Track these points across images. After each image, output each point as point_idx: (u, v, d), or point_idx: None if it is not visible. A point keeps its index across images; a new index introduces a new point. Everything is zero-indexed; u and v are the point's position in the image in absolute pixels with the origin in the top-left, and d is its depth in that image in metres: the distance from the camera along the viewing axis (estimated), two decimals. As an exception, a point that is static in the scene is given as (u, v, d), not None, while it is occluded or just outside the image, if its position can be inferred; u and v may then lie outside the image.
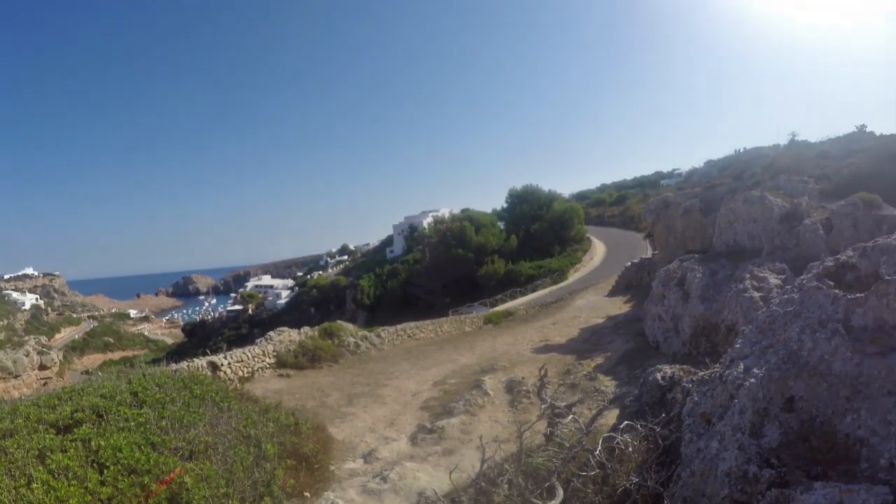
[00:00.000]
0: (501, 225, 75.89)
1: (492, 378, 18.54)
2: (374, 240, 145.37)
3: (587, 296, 41.11)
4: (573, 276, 55.70)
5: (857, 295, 5.31)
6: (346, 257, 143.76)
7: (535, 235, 69.86)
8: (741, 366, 5.79)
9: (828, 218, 17.38)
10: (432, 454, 12.40)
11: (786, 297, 6.03)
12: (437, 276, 68.93)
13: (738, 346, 6.23)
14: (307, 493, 9.84)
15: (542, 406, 9.92)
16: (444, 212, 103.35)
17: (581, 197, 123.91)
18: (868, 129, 41.45)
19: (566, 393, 15.57)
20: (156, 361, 17.18)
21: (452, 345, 27.18)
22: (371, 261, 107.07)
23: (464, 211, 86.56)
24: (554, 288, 50.92)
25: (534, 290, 51.23)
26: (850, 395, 4.70)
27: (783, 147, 59.70)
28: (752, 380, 5.37)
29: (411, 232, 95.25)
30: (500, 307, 43.10)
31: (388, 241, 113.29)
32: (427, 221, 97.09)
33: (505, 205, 79.09)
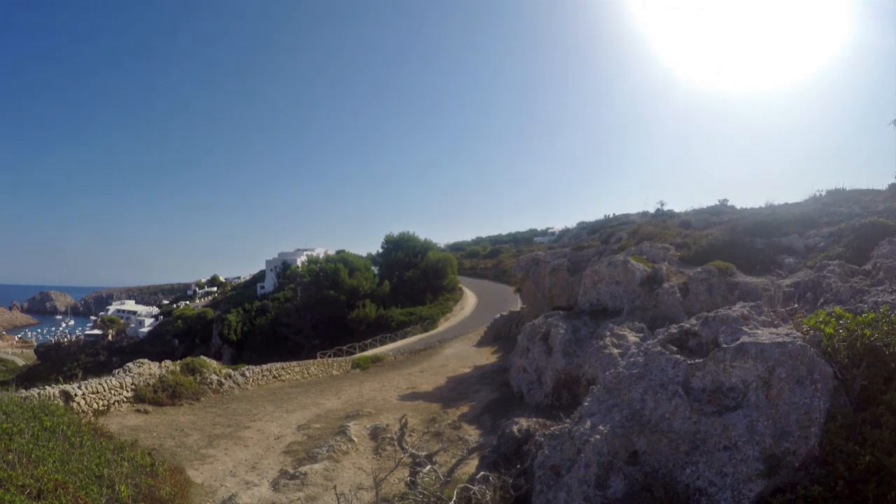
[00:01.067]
0: (376, 269, 76.00)
1: (357, 424, 18.39)
2: (245, 273, 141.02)
3: (456, 345, 41.69)
4: (444, 325, 56.29)
5: (697, 360, 5.85)
6: (215, 289, 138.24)
7: (409, 282, 70.36)
8: (588, 423, 6.17)
9: (685, 283, 18.75)
10: (294, 501, 12.13)
11: (632, 359, 6.51)
12: (308, 316, 67.75)
13: (586, 404, 6.64)
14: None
15: (403, 455, 9.98)
16: (320, 252, 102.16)
17: (456, 248, 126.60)
18: (729, 203, 45.36)
19: (430, 441, 15.69)
20: (3, 384, 15.77)
21: (319, 388, 26.69)
22: (241, 295, 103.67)
23: (339, 252, 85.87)
24: (424, 336, 51.22)
25: (404, 337, 51.29)
26: (690, 449, 5.16)
27: (650, 215, 63.66)
28: (598, 436, 5.75)
29: (284, 269, 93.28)
30: (369, 352, 42.80)
31: (260, 277, 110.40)
32: (301, 260, 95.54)
33: (381, 250, 79.26)
